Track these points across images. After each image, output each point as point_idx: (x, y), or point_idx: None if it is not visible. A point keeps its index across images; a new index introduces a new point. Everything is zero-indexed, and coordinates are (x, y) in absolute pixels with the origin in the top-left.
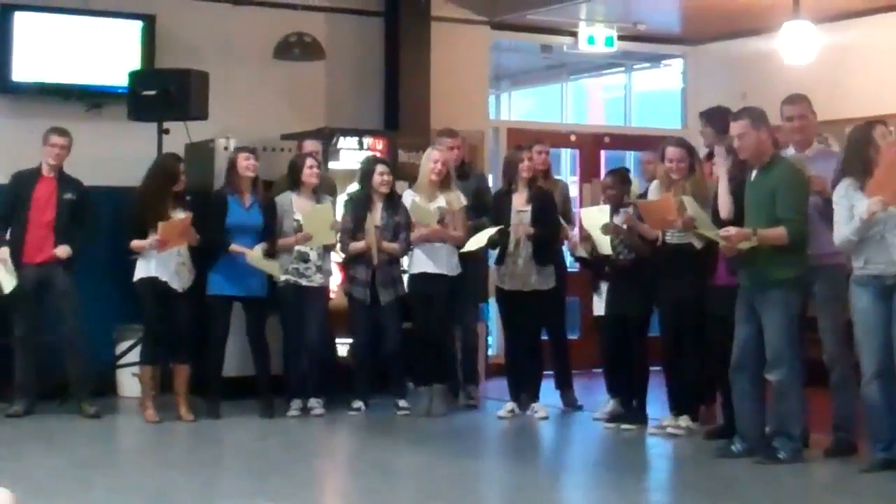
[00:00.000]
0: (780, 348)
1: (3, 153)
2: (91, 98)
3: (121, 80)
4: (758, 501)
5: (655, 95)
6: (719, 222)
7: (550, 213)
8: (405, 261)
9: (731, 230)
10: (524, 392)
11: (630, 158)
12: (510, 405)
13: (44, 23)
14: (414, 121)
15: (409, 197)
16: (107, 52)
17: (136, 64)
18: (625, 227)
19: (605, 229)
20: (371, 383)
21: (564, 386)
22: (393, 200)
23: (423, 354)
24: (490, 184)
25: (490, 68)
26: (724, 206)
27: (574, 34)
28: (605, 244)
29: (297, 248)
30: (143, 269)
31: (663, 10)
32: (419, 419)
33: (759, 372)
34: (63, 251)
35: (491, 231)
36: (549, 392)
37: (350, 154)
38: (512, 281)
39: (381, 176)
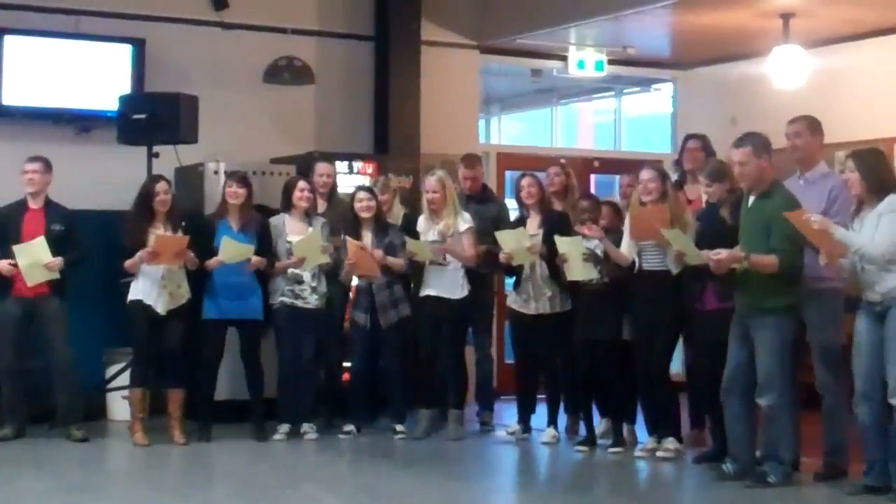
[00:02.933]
0: (770, 373)
1: None
2: (80, 122)
3: (110, 103)
4: None
5: (645, 120)
6: (716, 243)
7: (563, 233)
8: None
9: (722, 253)
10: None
11: (619, 183)
12: (515, 426)
13: (33, 46)
14: (404, 145)
15: (420, 223)
16: (96, 76)
17: (125, 88)
18: (601, 254)
19: (586, 257)
20: (371, 407)
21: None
22: (381, 224)
23: (428, 377)
24: None
25: (480, 92)
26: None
27: (564, 58)
28: (589, 271)
29: (289, 269)
30: (133, 292)
31: (653, 34)
32: (412, 442)
33: (750, 395)
34: (56, 263)
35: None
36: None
37: (340, 178)
38: (532, 304)
39: (360, 202)
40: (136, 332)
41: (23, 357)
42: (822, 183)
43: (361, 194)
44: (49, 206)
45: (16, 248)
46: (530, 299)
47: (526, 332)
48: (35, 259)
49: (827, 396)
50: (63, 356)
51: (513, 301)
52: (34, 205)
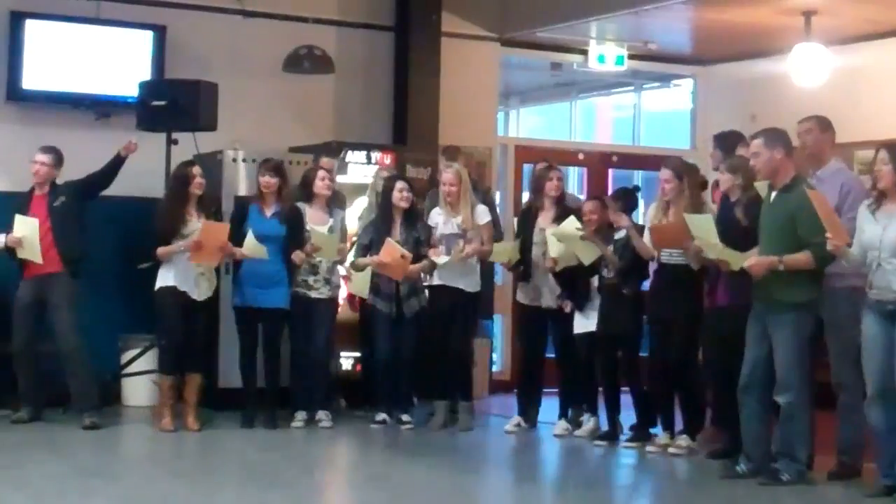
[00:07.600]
0: (789, 371)
1: (12, 160)
2: (100, 107)
3: (130, 89)
4: None
5: (665, 115)
6: (730, 243)
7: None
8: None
9: (753, 260)
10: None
11: (638, 178)
12: (516, 419)
13: (54, 31)
14: (422, 136)
15: (436, 216)
16: (117, 62)
17: (145, 74)
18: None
19: (583, 238)
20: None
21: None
22: (411, 216)
23: (443, 368)
24: (497, 200)
25: (499, 85)
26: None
27: (584, 52)
28: (589, 253)
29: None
30: (163, 279)
31: (674, 29)
32: (425, 433)
33: (768, 393)
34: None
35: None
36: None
37: (358, 168)
38: (539, 297)
39: (400, 192)
40: (167, 319)
41: (36, 341)
42: (833, 179)
43: (401, 184)
44: (54, 188)
45: (17, 218)
46: (543, 295)
47: (534, 325)
48: (28, 235)
49: (843, 395)
50: (69, 341)
51: (520, 295)
52: (39, 192)
